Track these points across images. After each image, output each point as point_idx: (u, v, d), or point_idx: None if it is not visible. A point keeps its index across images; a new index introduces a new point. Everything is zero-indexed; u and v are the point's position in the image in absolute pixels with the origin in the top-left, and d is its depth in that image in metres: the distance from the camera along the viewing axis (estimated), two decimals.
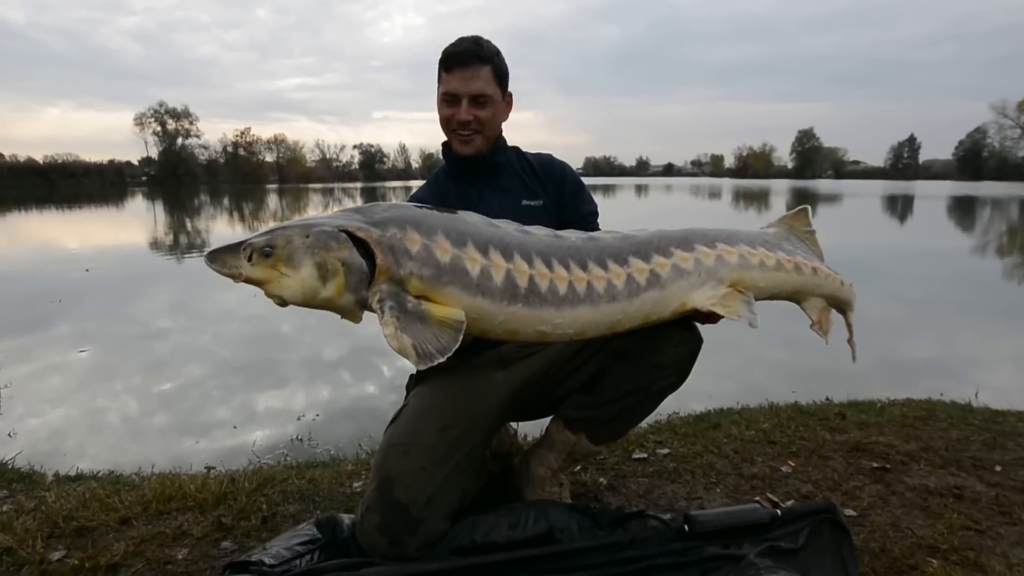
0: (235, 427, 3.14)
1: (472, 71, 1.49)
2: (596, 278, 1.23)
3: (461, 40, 1.53)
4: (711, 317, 1.32)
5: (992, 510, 1.73)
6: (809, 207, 1.58)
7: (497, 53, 1.54)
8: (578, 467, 1.97)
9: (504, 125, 1.66)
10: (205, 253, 1.12)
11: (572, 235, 1.29)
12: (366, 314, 1.16)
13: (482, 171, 1.64)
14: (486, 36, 1.55)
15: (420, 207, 1.23)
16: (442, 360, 1.05)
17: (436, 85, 1.59)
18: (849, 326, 1.57)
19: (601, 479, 1.92)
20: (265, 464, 2.42)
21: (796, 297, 1.45)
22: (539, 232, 1.27)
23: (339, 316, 1.15)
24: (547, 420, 1.67)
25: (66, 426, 3.22)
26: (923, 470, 2.00)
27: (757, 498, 1.79)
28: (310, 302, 1.11)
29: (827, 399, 2.86)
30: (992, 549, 1.54)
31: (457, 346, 1.08)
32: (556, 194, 1.68)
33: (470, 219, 1.23)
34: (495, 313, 1.17)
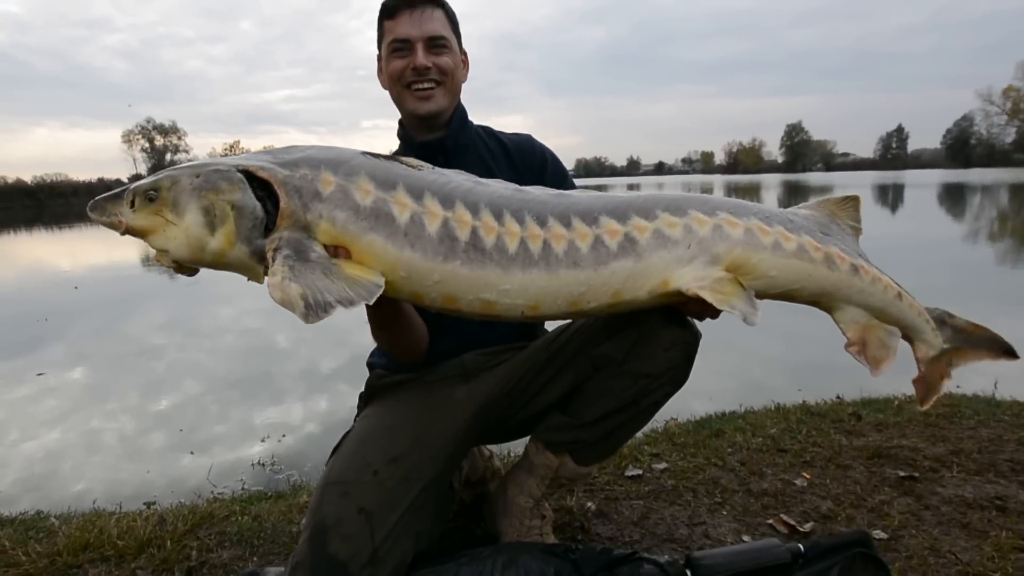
0: (192, 452, 2.86)
1: (423, 11, 1.28)
2: (555, 237, 0.97)
3: None
4: (703, 308, 1.04)
5: None
6: (860, 198, 1.18)
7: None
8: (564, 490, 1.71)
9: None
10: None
11: (536, 189, 1.04)
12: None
13: (439, 155, 1.39)
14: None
15: (350, 150, 1.00)
16: (340, 310, 0.83)
17: (379, 44, 1.35)
18: (919, 362, 1.19)
19: (589, 504, 1.66)
20: (219, 494, 2.17)
21: (825, 301, 1.11)
22: (496, 183, 1.03)
23: (245, 278, 0.95)
24: (526, 439, 1.42)
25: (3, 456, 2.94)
26: (956, 478, 1.75)
27: (771, 521, 1.55)
28: (199, 257, 0.92)
29: (838, 397, 2.62)
30: None
31: (369, 302, 0.86)
32: (532, 181, 1.44)
33: (411, 164, 1.00)
34: (428, 271, 0.93)
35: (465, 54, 1.40)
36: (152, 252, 0.95)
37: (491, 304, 0.97)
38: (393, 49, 1.30)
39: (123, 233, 0.94)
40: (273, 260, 0.88)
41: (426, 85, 1.30)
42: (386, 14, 1.31)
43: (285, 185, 0.91)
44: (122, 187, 0.96)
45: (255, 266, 0.92)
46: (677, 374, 1.20)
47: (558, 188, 1.42)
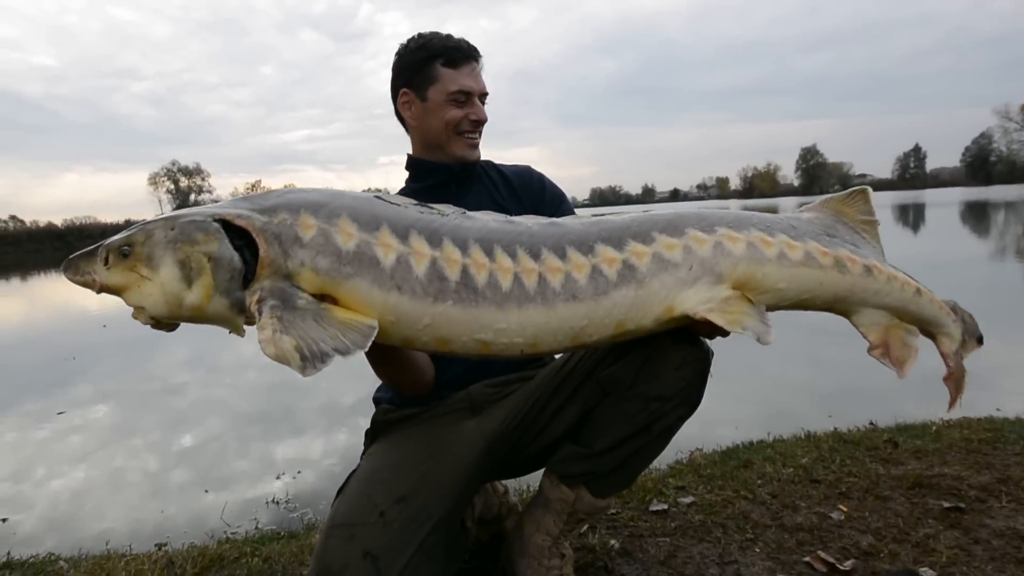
0: (207, 490, 2.83)
1: (476, 66, 1.38)
2: (551, 270, 0.93)
3: (448, 35, 1.38)
4: (713, 328, 0.98)
5: None
6: (870, 189, 1.13)
7: None
8: (584, 527, 1.64)
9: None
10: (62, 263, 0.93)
11: (528, 220, 1.01)
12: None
13: (451, 184, 1.42)
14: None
15: (331, 191, 0.98)
16: (338, 359, 0.80)
17: (425, 84, 1.36)
18: (945, 357, 1.14)
19: (612, 542, 1.58)
20: (232, 534, 2.13)
21: (842, 307, 1.07)
22: (484, 216, 1.00)
23: (227, 331, 0.92)
24: (540, 473, 1.36)
25: (16, 496, 2.92)
26: (1006, 508, 1.64)
27: (807, 559, 1.45)
28: (177, 312, 0.89)
29: (871, 424, 2.50)
30: None
31: (364, 348, 0.83)
32: (533, 206, 1.44)
33: (395, 202, 0.98)
34: (418, 314, 0.89)
35: None
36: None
37: (487, 344, 0.93)
38: (454, 99, 1.35)
39: (98, 292, 0.91)
40: (259, 313, 0.84)
41: (476, 135, 1.40)
42: (448, 63, 1.35)
43: (264, 232, 0.89)
44: (96, 244, 0.92)
45: (235, 318, 0.89)
46: (690, 395, 1.14)
47: (556, 208, 1.45)
